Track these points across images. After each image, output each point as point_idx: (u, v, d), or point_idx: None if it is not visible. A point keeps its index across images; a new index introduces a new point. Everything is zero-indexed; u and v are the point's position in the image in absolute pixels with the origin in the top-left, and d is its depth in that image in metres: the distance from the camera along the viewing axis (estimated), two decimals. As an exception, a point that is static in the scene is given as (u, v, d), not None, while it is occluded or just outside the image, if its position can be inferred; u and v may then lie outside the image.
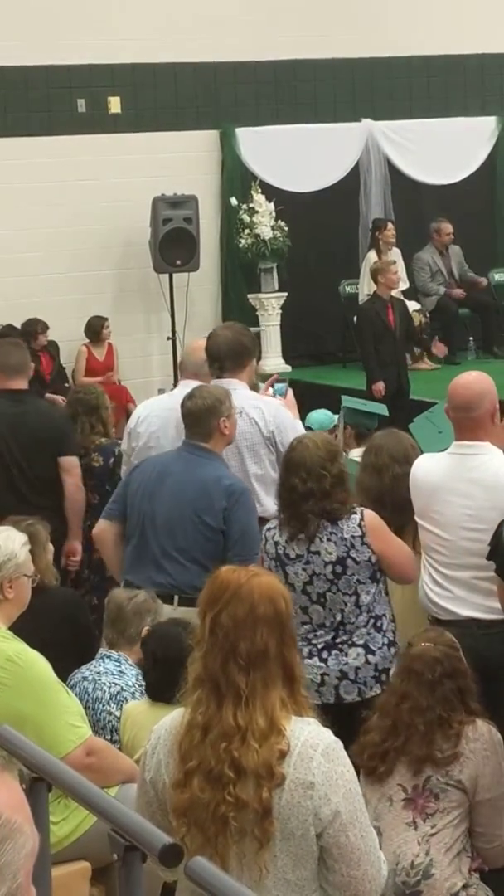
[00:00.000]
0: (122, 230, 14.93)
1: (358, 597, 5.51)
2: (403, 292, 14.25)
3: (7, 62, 14.35)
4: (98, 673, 5.62)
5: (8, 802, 2.03)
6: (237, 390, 6.74)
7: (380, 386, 12.30)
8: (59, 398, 12.87)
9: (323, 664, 5.49)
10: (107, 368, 14.50)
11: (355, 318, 13.77)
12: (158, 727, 3.52)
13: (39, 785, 3.51)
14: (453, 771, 4.72)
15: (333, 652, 5.51)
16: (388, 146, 16.24)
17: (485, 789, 4.75)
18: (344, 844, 3.33)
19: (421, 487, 5.78)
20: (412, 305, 14.43)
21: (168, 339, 14.76)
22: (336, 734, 3.40)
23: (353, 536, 5.49)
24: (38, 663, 4.93)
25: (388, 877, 4.48)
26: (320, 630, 5.53)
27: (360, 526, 5.51)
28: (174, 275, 14.80)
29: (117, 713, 5.49)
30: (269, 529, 5.67)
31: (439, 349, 13.45)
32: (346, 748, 3.45)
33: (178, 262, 14.66)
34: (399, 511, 5.87)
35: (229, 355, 6.81)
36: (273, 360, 15.21)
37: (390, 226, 15.53)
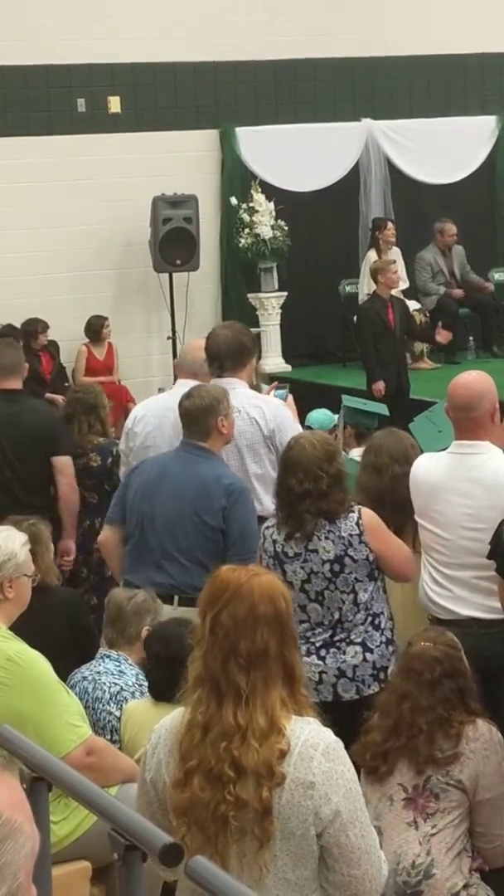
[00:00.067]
0: (122, 230, 14.93)
1: (356, 595, 5.52)
2: (403, 292, 14.24)
3: (7, 62, 14.35)
4: (98, 673, 5.62)
5: (8, 802, 2.03)
6: (237, 389, 6.75)
7: (380, 385, 12.30)
8: (59, 398, 12.87)
9: (321, 662, 5.50)
10: (107, 368, 14.50)
11: (355, 318, 13.77)
12: (159, 727, 3.52)
13: (40, 784, 3.51)
14: (453, 771, 4.72)
15: (331, 650, 5.52)
16: (388, 145, 16.24)
17: (485, 789, 4.75)
18: (344, 844, 3.33)
19: (421, 487, 5.78)
20: (412, 305, 14.43)
21: (168, 338, 14.76)
22: (336, 733, 3.40)
23: (350, 535, 5.49)
24: (39, 663, 4.93)
25: (389, 876, 4.48)
26: (318, 628, 5.53)
27: (357, 524, 5.51)
28: (174, 274, 14.80)
29: (117, 713, 5.49)
30: (267, 528, 5.68)
31: (443, 336, 13.44)
32: (347, 747, 3.45)
33: (178, 262, 14.66)
34: (399, 510, 5.87)
35: (229, 355, 6.81)
36: (273, 359, 15.21)
37: (390, 225, 15.53)
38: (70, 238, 14.66)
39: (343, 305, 15.63)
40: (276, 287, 15.45)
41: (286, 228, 15.28)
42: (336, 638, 5.53)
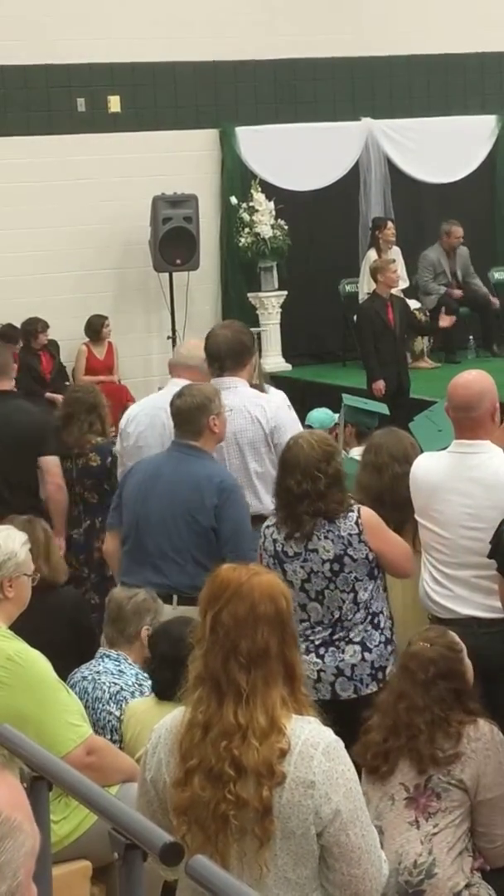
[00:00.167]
0: (121, 229, 14.94)
1: (356, 594, 5.52)
2: (403, 291, 14.24)
3: (7, 62, 14.35)
4: (97, 672, 5.61)
5: (8, 800, 2.03)
6: (238, 389, 6.76)
7: (380, 385, 12.30)
8: (59, 397, 12.86)
9: (319, 661, 5.50)
10: (107, 367, 14.51)
11: (355, 317, 13.77)
12: (159, 726, 3.53)
13: (40, 784, 3.51)
14: (455, 770, 4.72)
15: (330, 649, 5.52)
16: (387, 145, 16.25)
17: (486, 789, 4.74)
18: (344, 843, 3.33)
19: (421, 486, 5.78)
20: (412, 304, 14.44)
21: (168, 338, 14.77)
22: (335, 732, 3.40)
23: (350, 534, 5.49)
24: (39, 662, 4.93)
25: (391, 876, 4.50)
26: (318, 627, 5.54)
27: (357, 524, 5.51)
28: (174, 274, 14.81)
29: (117, 713, 5.49)
30: (267, 527, 5.68)
31: (447, 320, 13.46)
32: (347, 747, 3.45)
33: (178, 261, 14.66)
34: (399, 510, 5.87)
35: (229, 354, 6.82)
36: (273, 358, 15.22)
37: (390, 224, 15.53)
38: (70, 238, 14.67)
39: (343, 305, 15.64)
40: (276, 286, 15.46)
41: (286, 228, 15.29)
42: (335, 637, 5.53)
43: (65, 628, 6.10)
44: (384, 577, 5.67)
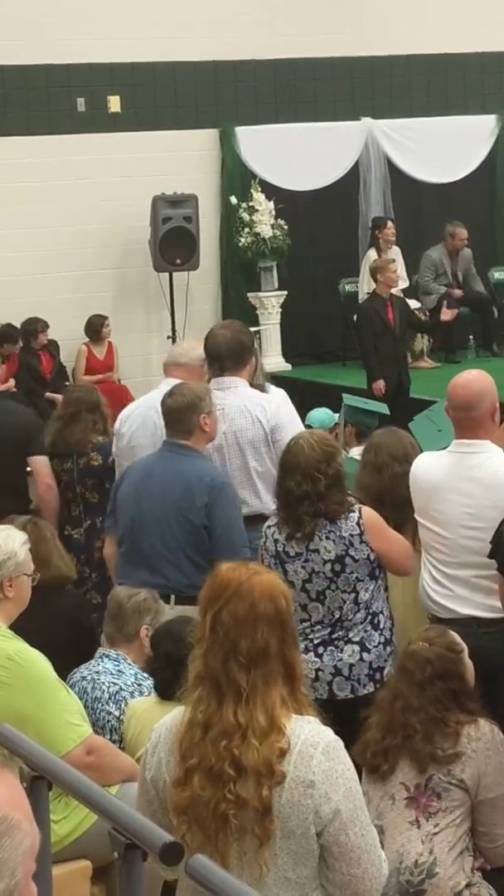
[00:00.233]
0: (121, 229, 14.94)
1: (357, 594, 5.52)
2: (403, 291, 14.24)
3: (7, 62, 14.35)
4: (97, 672, 5.61)
5: (6, 799, 2.02)
6: (239, 388, 6.77)
7: (380, 384, 12.31)
8: (60, 397, 12.86)
9: (318, 660, 5.50)
10: (107, 367, 14.51)
11: (355, 317, 13.77)
12: (159, 725, 3.53)
13: (40, 783, 3.51)
14: (455, 770, 4.72)
15: (329, 648, 5.52)
16: (387, 145, 16.24)
17: (487, 789, 4.74)
18: (344, 843, 3.33)
19: (421, 486, 5.78)
20: (412, 304, 14.44)
21: (168, 337, 14.76)
22: (335, 732, 3.40)
23: (351, 535, 5.49)
24: (39, 662, 4.93)
25: (392, 876, 4.50)
26: (317, 625, 5.53)
27: (358, 524, 5.51)
28: (174, 273, 14.81)
29: (116, 713, 5.49)
30: (269, 527, 5.68)
31: (448, 314, 13.46)
32: (346, 746, 3.45)
33: (178, 261, 14.66)
34: (398, 509, 5.87)
35: (229, 354, 6.82)
36: (273, 358, 15.21)
37: (390, 224, 15.53)
38: (70, 238, 14.67)
39: (343, 304, 15.64)
40: (276, 286, 15.46)
41: (286, 227, 15.29)
42: (334, 636, 5.53)
43: (65, 628, 6.10)
44: (385, 576, 5.67)
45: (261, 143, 15.62)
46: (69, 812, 4.87)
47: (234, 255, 15.46)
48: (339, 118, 16.00)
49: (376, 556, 5.54)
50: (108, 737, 5.38)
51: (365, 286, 14.62)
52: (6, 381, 13.74)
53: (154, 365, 15.07)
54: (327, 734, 3.36)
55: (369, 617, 5.55)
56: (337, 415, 9.33)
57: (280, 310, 15.43)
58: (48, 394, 13.73)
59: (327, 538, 5.49)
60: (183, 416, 6.28)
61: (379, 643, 5.55)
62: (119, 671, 5.62)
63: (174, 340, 14.52)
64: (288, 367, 15.35)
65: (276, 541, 5.59)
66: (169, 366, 7.23)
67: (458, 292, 15.60)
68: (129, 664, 5.66)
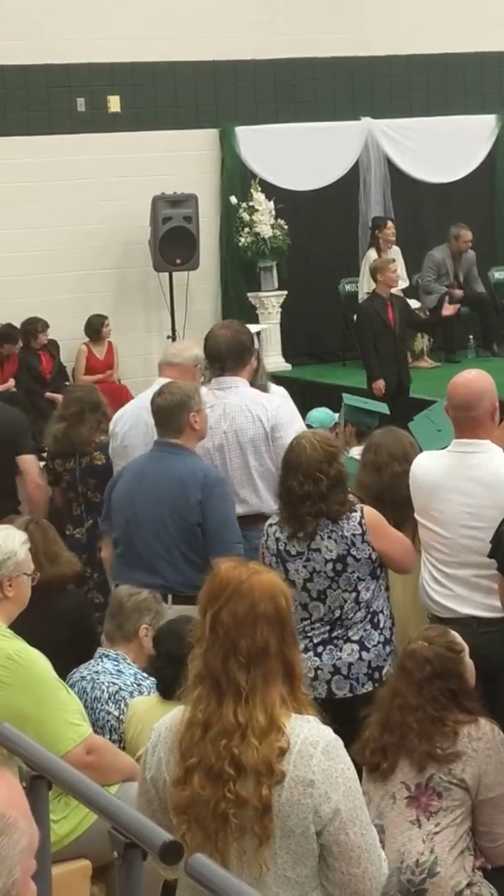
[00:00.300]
0: (121, 229, 14.94)
1: (358, 594, 5.52)
2: (403, 291, 14.24)
3: (7, 62, 14.36)
4: (96, 672, 5.61)
5: (4, 797, 2.02)
6: (239, 388, 6.78)
7: (380, 384, 12.31)
8: (60, 397, 12.85)
9: (317, 659, 5.50)
10: (107, 367, 14.51)
11: (355, 317, 13.77)
12: (159, 725, 3.52)
13: (39, 783, 3.51)
14: (456, 769, 4.72)
15: (328, 647, 5.52)
16: (387, 144, 16.25)
17: (488, 788, 4.74)
18: (344, 842, 3.33)
19: (421, 485, 5.78)
20: (412, 304, 14.43)
21: (168, 337, 14.75)
22: (335, 731, 3.40)
23: (353, 535, 5.49)
24: (39, 662, 4.93)
25: (393, 875, 4.50)
26: (317, 624, 5.53)
27: (360, 524, 5.51)
28: (174, 273, 14.81)
29: (116, 713, 5.49)
30: (270, 525, 5.68)
31: (450, 309, 13.45)
32: (345, 746, 3.44)
33: (178, 261, 14.67)
34: (398, 508, 5.87)
35: (230, 355, 6.83)
36: (273, 358, 15.21)
37: (390, 224, 15.53)
38: (70, 238, 14.67)
39: (343, 304, 15.64)
40: (276, 286, 15.46)
41: (286, 227, 15.29)
42: (334, 634, 5.53)
43: (65, 628, 6.10)
44: (386, 576, 5.67)
45: (261, 142, 15.62)
46: (69, 812, 4.87)
47: (234, 255, 15.46)
48: (339, 118, 16.00)
49: (378, 555, 5.54)
50: (108, 736, 5.38)
51: (365, 286, 14.62)
52: (6, 381, 13.75)
53: (154, 365, 14.93)
54: (327, 733, 3.36)
55: (369, 616, 5.55)
56: (337, 414, 9.32)
57: (280, 310, 15.44)
58: (48, 394, 13.73)
59: (329, 538, 5.49)
60: (172, 415, 6.28)
61: (378, 642, 5.55)
62: (118, 671, 5.62)
63: (174, 340, 14.51)
64: (288, 366, 15.35)
65: (277, 539, 5.59)
66: (162, 366, 7.25)
67: (458, 292, 15.60)
68: (129, 664, 5.66)
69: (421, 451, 6.17)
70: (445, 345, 15.49)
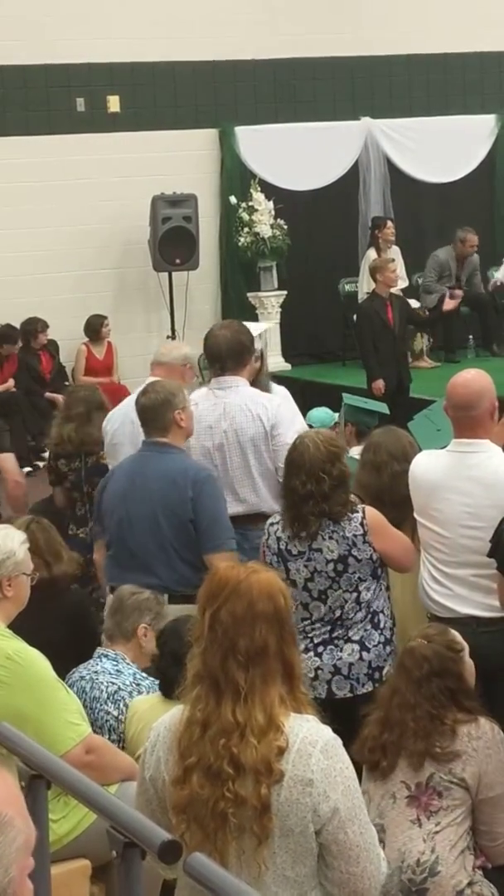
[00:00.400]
0: (121, 229, 14.95)
1: (359, 594, 5.52)
2: (403, 291, 14.24)
3: (6, 62, 14.36)
4: (95, 672, 5.61)
5: (1, 796, 2.01)
6: (240, 388, 6.78)
7: (379, 384, 12.31)
8: (59, 397, 12.87)
9: (318, 659, 5.50)
10: (106, 367, 14.51)
11: (355, 317, 13.78)
12: (158, 724, 3.52)
13: (38, 782, 3.51)
14: (456, 769, 4.72)
15: (329, 647, 5.52)
16: (387, 144, 16.25)
17: (488, 787, 4.74)
18: (343, 841, 3.33)
19: (420, 485, 5.78)
20: (412, 304, 14.43)
21: (168, 337, 14.76)
22: (333, 731, 3.40)
23: (355, 535, 5.49)
24: (38, 662, 4.92)
25: (394, 874, 4.50)
26: (318, 624, 5.53)
27: (362, 524, 5.51)
28: (174, 273, 14.81)
29: (115, 712, 5.48)
30: (272, 524, 5.67)
31: (450, 304, 13.44)
32: (345, 745, 3.44)
33: (178, 261, 14.67)
34: (397, 508, 5.87)
35: (230, 355, 6.82)
36: (273, 358, 15.18)
37: (390, 224, 15.54)
38: (70, 238, 14.67)
39: (342, 304, 15.65)
40: (276, 286, 15.46)
41: (285, 227, 15.30)
42: (334, 634, 5.53)
43: (65, 628, 6.10)
44: (387, 575, 5.67)
45: (260, 142, 15.63)
46: (68, 811, 4.87)
47: (234, 255, 15.47)
48: (339, 118, 16.01)
49: (379, 555, 5.54)
50: (107, 736, 5.37)
51: (364, 286, 14.63)
52: (6, 381, 13.76)
53: (154, 365, 15.08)
54: (326, 732, 3.36)
55: (370, 616, 5.55)
56: (337, 414, 9.33)
57: (280, 310, 15.44)
58: (48, 394, 13.75)
59: (330, 538, 5.49)
60: (157, 413, 6.28)
61: (379, 642, 5.55)
62: (118, 671, 5.62)
63: (173, 340, 14.54)
64: (288, 366, 15.36)
65: (278, 539, 5.59)
66: (153, 364, 7.28)
67: (458, 292, 15.59)
68: (128, 664, 5.66)
69: (420, 450, 6.17)
70: (445, 345, 15.49)
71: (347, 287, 15.85)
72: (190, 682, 3.41)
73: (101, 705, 5.50)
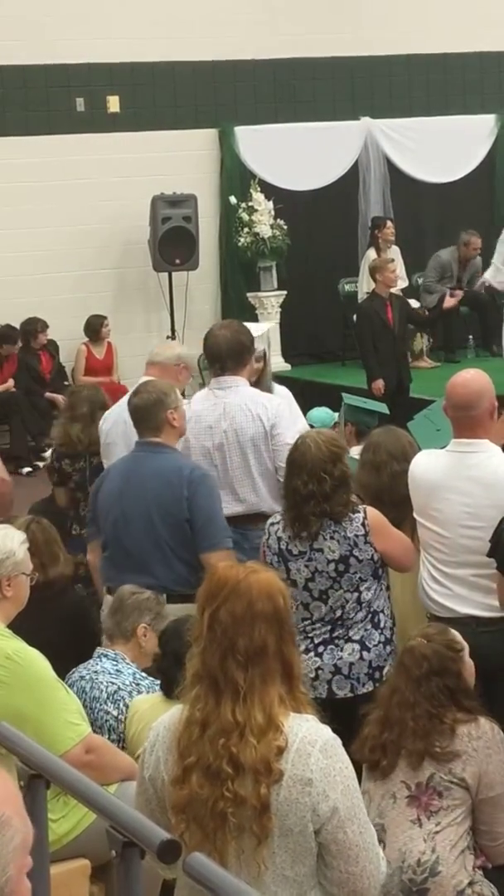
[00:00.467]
0: (121, 229, 14.94)
1: (360, 594, 5.52)
2: (403, 291, 14.24)
3: (6, 62, 14.36)
4: (95, 672, 5.61)
5: (-2, 795, 2.01)
6: (240, 388, 6.78)
7: (379, 384, 12.31)
8: (59, 397, 12.89)
9: (318, 659, 5.50)
10: (106, 367, 14.51)
11: (354, 317, 13.78)
12: (157, 724, 3.52)
13: (38, 782, 3.51)
14: (456, 768, 4.72)
15: (329, 647, 5.52)
16: (387, 144, 16.25)
17: (488, 787, 4.74)
18: (342, 841, 3.33)
19: (420, 485, 5.78)
20: (412, 304, 14.43)
21: (168, 337, 14.76)
22: (333, 730, 3.40)
23: (356, 535, 5.49)
24: (38, 661, 4.92)
25: (395, 874, 4.50)
26: (318, 624, 5.53)
27: (363, 525, 5.50)
28: (173, 273, 14.81)
29: (114, 712, 5.49)
30: (273, 524, 5.67)
31: (452, 302, 13.45)
32: (344, 746, 3.44)
33: (178, 261, 14.67)
34: (397, 508, 5.87)
35: (230, 355, 6.82)
36: (273, 358, 15.10)
37: (389, 224, 15.54)
38: (69, 238, 14.67)
39: (342, 304, 15.65)
40: (276, 286, 15.47)
41: (285, 227, 15.29)
42: (335, 634, 5.53)
43: (65, 628, 6.10)
44: (387, 575, 5.67)
45: (260, 142, 15.63)
46: (67, 811, 4.87)
47: (234, 255, 15.47)
48: (339, 118, 16.01)
49: (380, 556, 5.54)
50: (107, 736, 5.37)
51: (364, 286, 14.63)
52: (5, 381, 13.76)
53: (154, 365, 15.07)
54: (325, 732, 3.36)
55: (370, 616, 5.55)
56: (337, 414, 9.33)
57: (279, 310, 15.44)
58: (48, 394, 13.75)
59: (332, 538, 5.49)
60: (150, 413, 6.28)
61: (379, 642, 5.55)
62: (117, 671, 5.62)
63: (173, 340, 14.54)
64: (287, 366, 15.35)
65: (279, 538, 5.59)
66: (147, 364, 7.28)
67: (458, 292, 15.61)
68: (128, 664, 5.66)
69: (420, 450, 6.17)
70: (445, 345, 15.49)
71: (347, 287, 15.85)
72: (189, 681, 3.41)
73: (100, 705, 5.50)
